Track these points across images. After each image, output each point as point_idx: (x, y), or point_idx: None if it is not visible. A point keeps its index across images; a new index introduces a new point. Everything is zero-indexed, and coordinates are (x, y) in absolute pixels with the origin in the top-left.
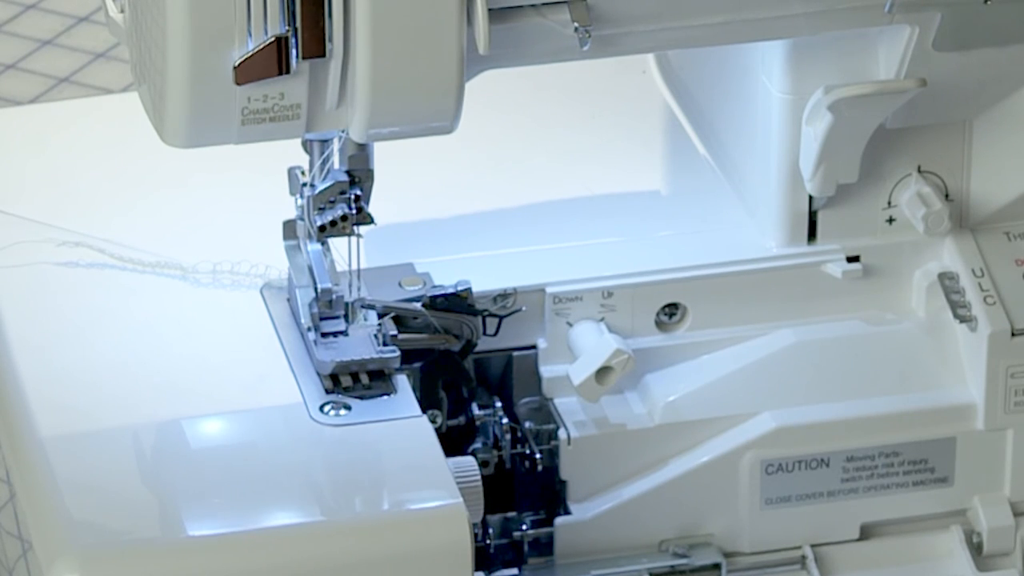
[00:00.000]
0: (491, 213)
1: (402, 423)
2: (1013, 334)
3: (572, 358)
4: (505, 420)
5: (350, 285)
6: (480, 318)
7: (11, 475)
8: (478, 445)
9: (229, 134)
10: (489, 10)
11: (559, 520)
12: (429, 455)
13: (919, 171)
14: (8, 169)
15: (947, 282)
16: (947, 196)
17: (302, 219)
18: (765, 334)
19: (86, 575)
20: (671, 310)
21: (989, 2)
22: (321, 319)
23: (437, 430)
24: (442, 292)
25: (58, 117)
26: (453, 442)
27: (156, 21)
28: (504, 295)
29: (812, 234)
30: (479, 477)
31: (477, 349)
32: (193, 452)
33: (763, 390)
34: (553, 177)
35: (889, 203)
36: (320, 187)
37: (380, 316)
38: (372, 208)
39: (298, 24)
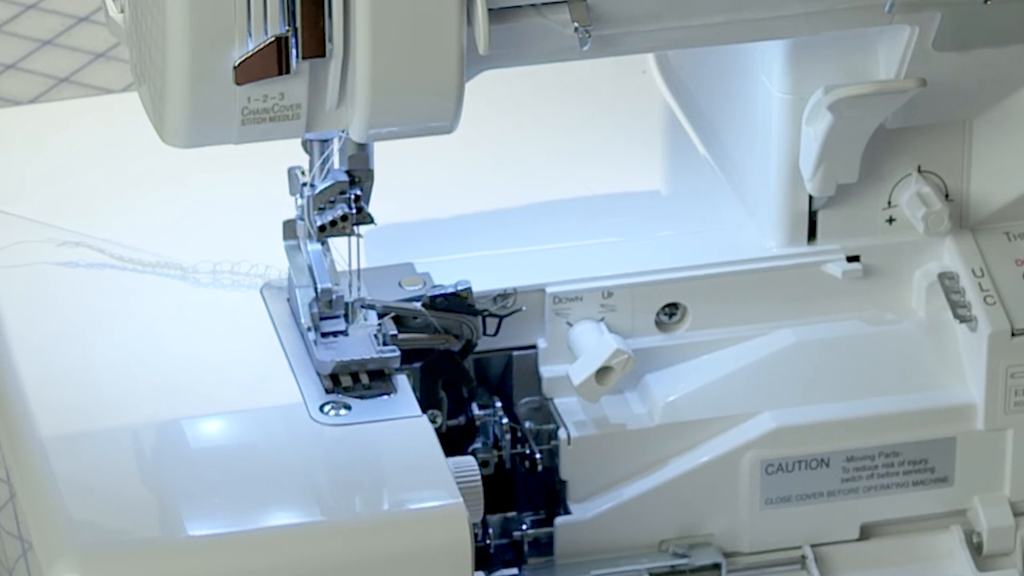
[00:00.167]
0: (491, 213)
1: (402, 423)
2: (1013, 334)
3: (572, 358)
4: (505, 420)
5: (350, 285)
6: (480, 318)
7: (11, 475)
8: (478, 445)
9: (229, 134)
10: (489, 10)
11: (559, 520)
12: (429, 455)
13: (919, 171)
14: (8, 169)
15: (947, 282)
16: (947, 196)
17: (302, 219)
18: (765, 334)
19: (86, 575)
20: (671, 310)
21: (989, 2)
22: (321, 319)
23: (437, 430)
24: (442, 292)
25: (58, 117)
26: (453, 442)
27: (156, 21)
28: (504, 295)
29: (812, 234)
30: (479, 477)
31: (477, 349)
32: (193, 452)
33: (763, 390)
34: (553, 177)
35: (889, 203)
36: (320, 187)
37: (380, 316)
38: (372, 208)
39: (298, 24)
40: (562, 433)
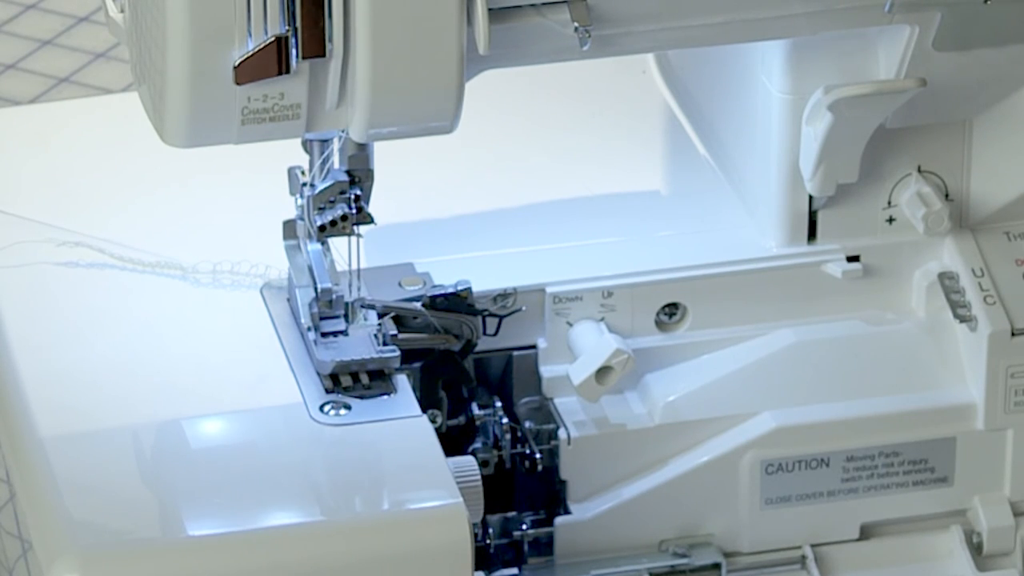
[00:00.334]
0: (491, 213)
1: (402, 423)
2: (1013, 334)
3: (572, 358)
4: (505, 420)
5: (350, 285)
6: (480, 318)
7: (11, 475)
8: (478, 445)
9: (229, 134)
10: (489, 10)
11: (559, 520)
12: (429, 455)
13: (919, 171)
14: (8, 169)
15: (947, 282)
16: (947, 196)
17: (302, 219)
18: (765, 334)
19: (86, 575)
20: (671, 310)
21: (989, 2)
22: (321, 319)
23: (437, 430)
24: (442, 292)
25: (58, 117)
26: (453, 442)
27: (156, 21)
28: (504, 295)
29: (812, 234)
30: (479, 477)
31: (477, 349)
32: (193, 452)
33: (763, 390)
34: (553, 177)
35: (889, 203)
36: (320, 187)
37: (380, 316)
38: (372, 208)
39: (298, 24)
40: (562, 433)
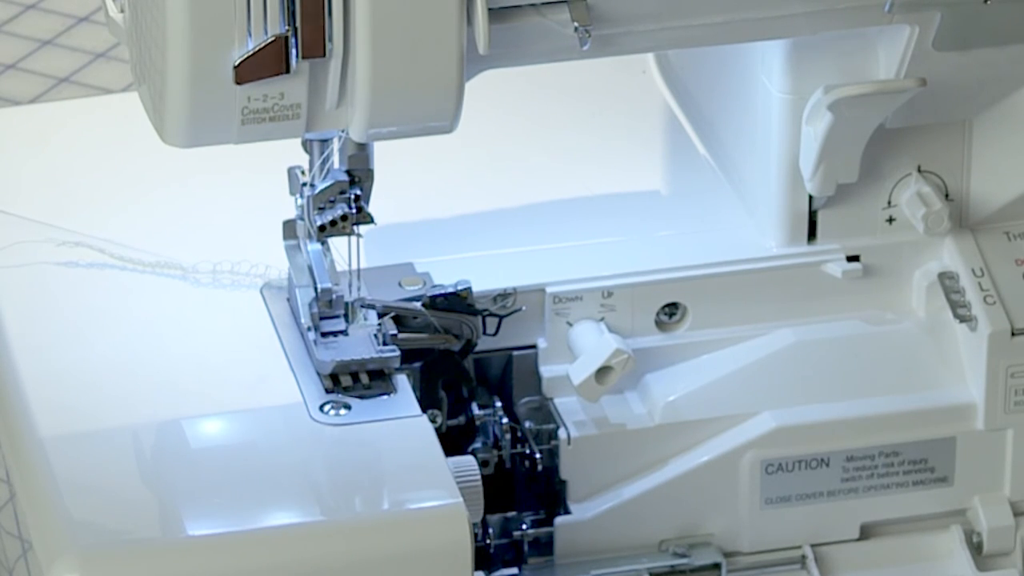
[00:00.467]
0: (491, 213)
1: (402, 423)
2: (1013, 334)
3: (572, 358)
4: (505, 420)
5: (350, 285)
6: (480, 318)
7: (11, 475)
8: (478, 445)
9: (229, 134)
10: (489, 10)
11: (559, 520)
12: (429, 455)
13: (919, 171)
14: (8, 169)
15: (947, 282)
16: (947, 196)
17: (302, 219)
18: (765, 334)
19: (86, 575)
20: (671, 310)
21: (989, 2)
22: (321, 319)
23: (437, 430)
24: (442, 292)
25: (58, 117)
26: (453, 442)
27: (156, 21)
28: (504, 295)
29: (812, 234)
30: (479, 477)
31: (477, 349)
32: (193, 452)
33: (763, 390)
34: (553, 177)
35: (889, 203)
36: (320, 187)
37: (380, 316)
38: (372, 208)
39: (298, 24)
40: (562, 433)
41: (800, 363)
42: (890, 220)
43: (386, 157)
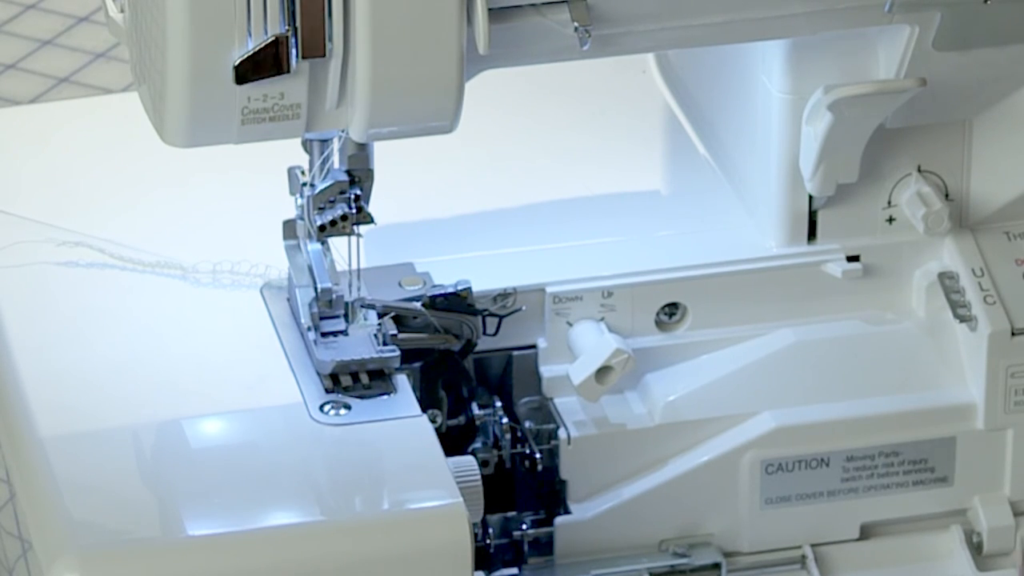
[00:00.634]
0: (491, 213)
1: (402, 423)
2: (1013, 334)
3: (572, 358)
4: (505, 420)
5: (350, 285)
6: (480, 318)
7: (11, 475)
8: (478, 445)
9: (229, 134)
10: (489, 10)
11: (559, 520)
12: (429, 455)
13: (919, 171)
14: (8, 169)
15: (947, 282)
16: (947, 196)
17: (302, 219)
18: (765, 334)
19: (86, 575)
20: (671, 310)
21: (989, 2)
22: (321, 319)
23: (437, 430)
24: (442, 292)
25: (58, 117)
26: (453, 442)
27: (156, 21)
28: (504, 295)
29: (812, 234)
30: (479, 477)
31: (477, 349)
32: (193, 452)
33: (763, 390)
34: (553, 177)
35: (889, 203)
36: (320, 187)
37: (380, 316)
38: (372, 208)
39: (298, 24)
40: (562, 433)
41: (800, 363)
42: (890, 220)
43: (386, 157)
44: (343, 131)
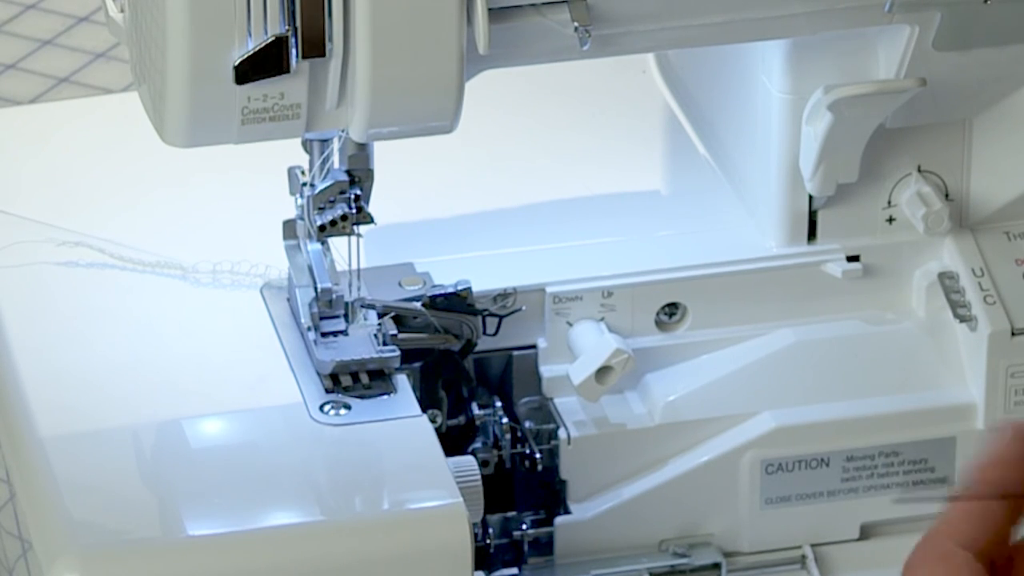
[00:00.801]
0: (491, 213)
1: (402, 423)
2: (1013, 334)
3: (572, 358)
4: (505, 420)
5: (350, 285)
6: (480, 318)
7: (11, 475)
8: (478, 445)
9: (229, 134)
10: (489, 10)
11: (559, 520)
12: (429, 455)
13: (919, 171)
14: (8, 169)
15: (947, 282)
16: (947, 196)
17: (302, 219)
18: (765, 334)
19: (86, 575)
20: (671, 310)
21: (989, 2)
22: (321, 319)
23: (437, 430)
24: (442, 292)
25: (58, 117)
26: (453, 442)
27: (156, 21)
28: (504, 295)
29: (812, 234)
30: (479, 477)
31: (477, 349)
32: (193, 452)
33: (763, 390)
34: (553, 177)
35: (889, 203)
36: (320, 187)
37: (380, 316)
38: (372, 208)
39: (298, 24)
40: (562, 433)
41: (800, 363)
42: (890, 220)
43: (386, 157)
44: (343, 131)
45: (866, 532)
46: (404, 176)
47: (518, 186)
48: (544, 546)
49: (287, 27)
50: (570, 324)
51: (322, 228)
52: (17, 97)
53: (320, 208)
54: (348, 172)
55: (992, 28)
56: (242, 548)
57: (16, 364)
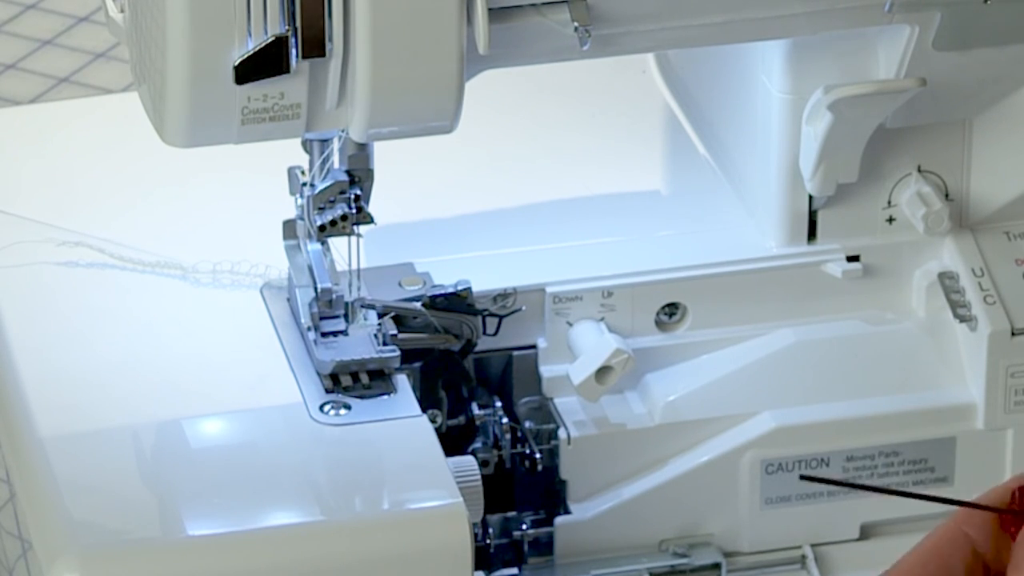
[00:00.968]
0: (491, 213)
1: (402, 423)
2: (1013, 334)
3: (572, 358)
4: (505, 420)
5: (350, 285)
6: (480, 318)
7: (11, 475)
8: (478, 445)
9: (229, 134)
10: (489, 10)
11: (559, 520)
12: (429, 455)
13: (919, 171)
14: (8, 169)
15: (947, 282)
16: (947, 196)
17: (302, 219)
18: (765, 334)
19: (86, 575)
20: (671, 310)
21: (989, 2)
22: (321, 319)
23: (437, 430)
24: (442, 292)
25: (58, 117)
26: (453, 442)
27: (156, 21)
28: (504, 295)
29: (812, 234)
30: (479, 477)
31: (477, 349)
32: (193, 452)
33: (763, 390)
34: (553, 177)
35: (889, 203)
36: (320, 187)
37: (380, 316)
38: (372, 208)
39: (298, 24)
40: (562, 433)
41: (800, 363)
42: (890, 220)
43: (386, 157)
44: (343, 131)
45: (866, 532)
46: (404, 176)
47: (518, 186)
48: (544, 546)
49: (287, 27)
50: (570, 324)
51: (322, 228)
52: (17, 97)
53: (320, 208)
54: (348, 172)
55: (992, 28)
56: (242, 548)
57: (16, 364)
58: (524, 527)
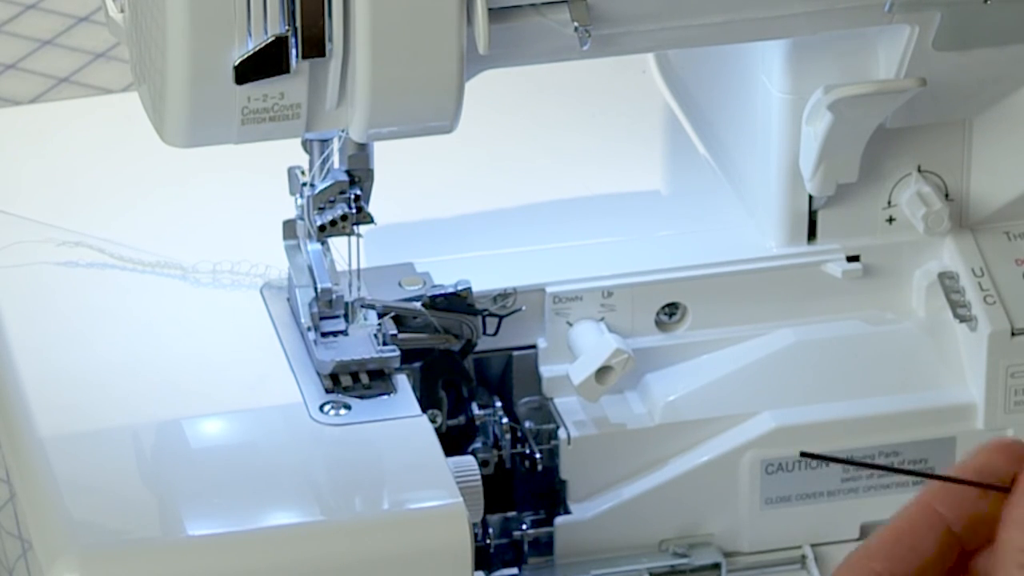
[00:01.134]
0: (491, 213)
1: (402, 423)
2: (1013, 334)
3: (572, 358)
4: (505, 420)
5: (350, 285)
6: (480, 318)
7: (11, 475)
8: (478, 445)
9: (229, 134)
10: (489, 10)
11: (559, 520)
12: (429, 455)
13: (919, 171)
14: (8, 169)
15: (947, 282)
16: (947, 196)
17: (302, 219)
18: (765, 334)
19: (86, 575)
20: (671, 310)
21: (989, 2)
22: (321, 319)
23: (437, 430)
24: (442, 292)
25: (58, 117)
26: (453, 442)
27: (156, 21)
28: (504, 295)
29: (812, 234)
30: (479, 477)
31: (477, 349)
32: (193, 452)
33: (763, 390)
34: (553, 177)
35: (889, 203)
36: (320, 187)
37: (380, 316)
38: (372, 208)
39: (298, 24)
40: (562, 433)
41: (800, 363)
42: (890, 220)
43: (386, 157)
44: (343, 131)
45: (866, 532)
46: (404, 176)
47: (518, 186)
48: (544, 546)
49: (287, 27)
50: (570, 324)
51: (322, 228)
52: (17, 97)
53: (320, 208)
54: (348, 172)
55: (992, 28)
56: (242, 548)
57: (16, 364)
58: (524, 527)
